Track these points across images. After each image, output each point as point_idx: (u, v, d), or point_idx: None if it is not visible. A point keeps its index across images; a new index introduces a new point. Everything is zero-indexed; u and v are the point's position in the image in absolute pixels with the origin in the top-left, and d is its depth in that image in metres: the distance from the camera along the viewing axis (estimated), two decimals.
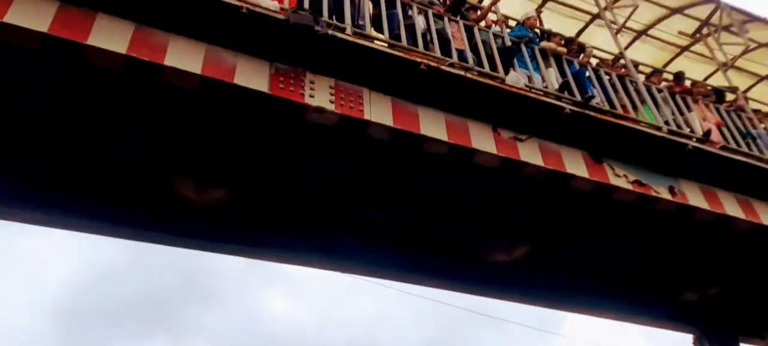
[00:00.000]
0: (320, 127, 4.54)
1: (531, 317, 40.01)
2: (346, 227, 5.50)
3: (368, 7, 5.34)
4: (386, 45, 4.90)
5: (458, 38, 5.60)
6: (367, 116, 4.44)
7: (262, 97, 4.21)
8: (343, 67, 4.58)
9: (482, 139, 5.00)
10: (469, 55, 5.46)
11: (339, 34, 4.49)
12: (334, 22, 4.77)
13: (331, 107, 4.34)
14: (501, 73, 5.41)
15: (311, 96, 4.31)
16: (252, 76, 4.22)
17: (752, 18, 8.14)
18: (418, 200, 5.62)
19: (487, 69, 5.36)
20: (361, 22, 5.07)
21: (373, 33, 5.17)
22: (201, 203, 4.59)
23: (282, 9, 4.48)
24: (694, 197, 5.94)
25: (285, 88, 4.25)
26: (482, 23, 6.38)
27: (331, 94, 4.43)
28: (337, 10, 5.05)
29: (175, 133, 4.67)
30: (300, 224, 5.33)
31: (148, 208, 4.62)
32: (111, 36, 3.83)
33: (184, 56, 4.04)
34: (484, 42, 5.68)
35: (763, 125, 7.30)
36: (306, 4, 4.65)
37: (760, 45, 8.55)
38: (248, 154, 4.89)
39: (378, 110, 4.57)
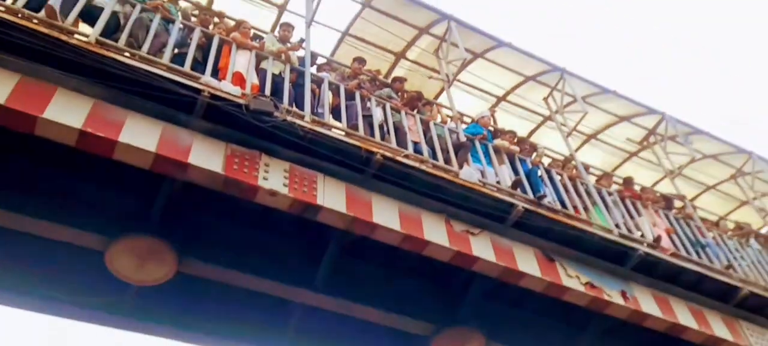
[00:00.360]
0: (273, 210, 4.79)
1: None
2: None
3: (328, 97, 5.82)
4: (343, 133, 5.30)
5: (414, 131, 6.09)
6: (319, 201, 4.71)
7: (216, 177, 4.45)
8: (299, 152, 4.93)
9: (435, 231, 5.31)
10: (425, 148, 5.92)
11: (297, 121, 4.87)
12: (294, 109, 5.19)
13: (284, 191, 4.60)
14: (455, 167, 5.85)
15: (265, 178, 4.58)
16: (207, 156, 4.48)
17: (696, 130, 9.09)
18: (361, 291, 5.77)
19: (441, 162, 5.80)
20: (320, 110, 5.52)
21: (332, 121, 5.62)
22: (139, 282, 4.63)
23: (244, 94, 4.87)
24: (647, 303, 6.29)
25: (239, 170, 4.52)
26: (438, 119, 6.94)
27: (286, 178, 4.71)
28: (298, 98, 5.50)
29: (123, 211, 4.82)
30: (238, 314, 5.41)
31: (80, 284, 4.63)
32: (68, 110, 4.07)
33: (140, 133, 4.29)
34: (439, 136, 6.17)
35: (711, 234, 7.93)
36: (267, 91, 5.07)
37: (705, 156, 9.48)
38: (198, 233, 5.05)
39: (332, 196, 4.86)
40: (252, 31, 6.31)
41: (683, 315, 6.46)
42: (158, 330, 5.16)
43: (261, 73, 5.41)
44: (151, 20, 5.10)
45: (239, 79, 5.12)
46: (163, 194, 4.80)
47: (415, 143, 5.96)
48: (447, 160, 5.92)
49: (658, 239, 6.81)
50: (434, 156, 5.87)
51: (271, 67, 5.46)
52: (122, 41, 4.63)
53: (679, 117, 8.96)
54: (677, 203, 8.47)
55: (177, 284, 4.99)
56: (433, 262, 5.41)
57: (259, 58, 5.56)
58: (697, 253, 7.09)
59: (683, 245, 7.06)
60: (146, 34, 4.92)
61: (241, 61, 5.32)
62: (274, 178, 4.64)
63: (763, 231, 9.38)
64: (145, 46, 4.75)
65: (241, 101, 4.68)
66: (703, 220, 8.55)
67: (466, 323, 5.83)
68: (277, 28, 6.83)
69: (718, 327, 6.64)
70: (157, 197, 4.79)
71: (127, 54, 4.56)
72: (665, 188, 9.15)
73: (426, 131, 6.23)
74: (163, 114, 4.50)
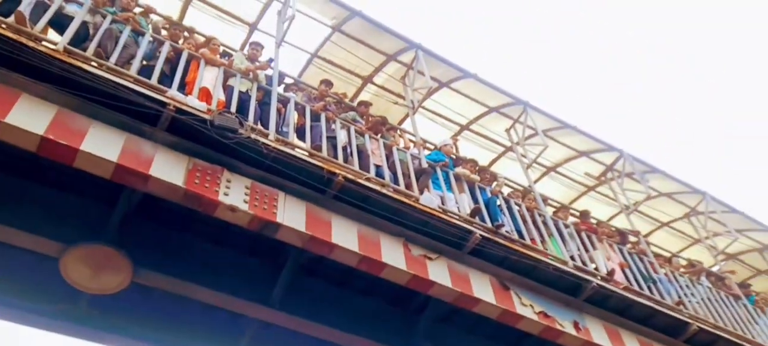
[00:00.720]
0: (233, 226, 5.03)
1: None
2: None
3: (294, 117, 6.13)
4: (307, 154, 5.60)
5: (377, 155, 6.43)
6: (279, 219, 4.97)
7: (177, 190, 4.67)
8: (262, 169, 5.20)
9: (392, 254, 5.60)
10: (387, 172, 6.26)
11: (261, 139, 5.15)
12: (259, 127, 5.47)
13: (244, 207, 4.85)
14: (415, 192, 6.20)
15: (226, 194, 4.83)
16: (169, 168, 4.70)
17: (652, 169, 9.73)
18: (317, 310, 6.00)
19: (402, 187, 6.14)
20: (285, 130, 5.81)
21: (296, 141, 5.92)
22: (93, 290, 4.78)
23: (209, 109, 5.13)
24: (598, 335, 6.68)
25: (200, 184, 4.75)
26: (401, 144, 7.32)
27: (247, 195, 4.97)
28: (263, 116, 5.80)
29: (82, 219, 4.98)
30: (192, 326, 5.57)
31: (34, 290, 4.75)
32: (31, 116, 4.26)
33: (102, 143, 4.49)
34: (401, 161, 6.53)
35: (663, 270, 8.46)
36: (233, 108, 5.35)
37: (661, 194, 10.12)
38: (156, 244, 5.23)
39: (292, 215, 5.12)
40: (221, 48, 6.61)
41: None
42: (110, 339, 5.27)
43: (228, 89, 5.69)
44: (120, 32, 5.34)
45: (206, 95, 5.39)
46: (122, 204, 4.98)
47: (378, 167, 6.30)
48: (408, 186, 6.26)
49: (611, 273, 7.25)
50: (396, 180, 6.20)
51: (239, 85, 5.75)
52: (90, 51, 4.85)
53: (638, 154, 9.60)
54: (632, 239, 9.00)
55: (131, 294, 5.14)
56: (389, 284, 5.69)
57: (227, 75, 5.84)
58: (649, 288, 7.53)
59: (636, 279, 7.49)
60: (115, 45, 5.16)
61: (208, 77, 5.60)
62: (235, 194, 4.89)
63: (714, 269, 10.03)
64: (113, 57, 4.98)
65: (206, 116, 4.93)
66: (656, 256, 9.11)
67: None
68: (247, 47, 7.15)
69: None
70: (116, 207, 4.97)
71: (94, 64, 4.78)
72: (621, 223, 9.71)
73: (389, 156, 6.58)
74: (128, 125, 4.72)
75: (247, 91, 5.81)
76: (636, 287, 7.33)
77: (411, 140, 7.84)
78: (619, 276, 7.43)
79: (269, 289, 5.63)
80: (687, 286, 8.23)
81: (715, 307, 8.16)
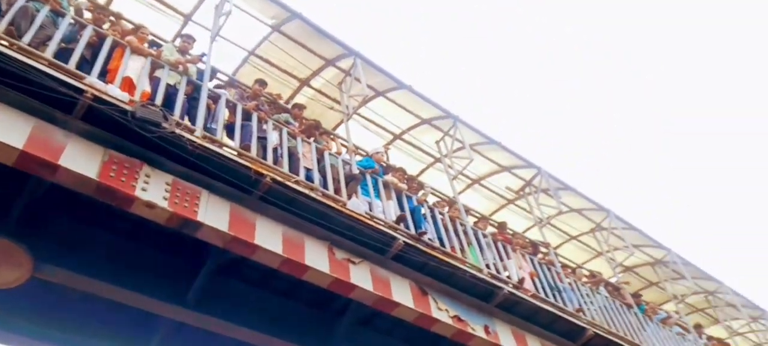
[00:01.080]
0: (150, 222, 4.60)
1: None
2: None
3: (225, 115, 5.75)
4: (235, 153, 5.25)
5: (308, 158, 6.16)
6: (200, 218, 4.60)
7: (89, 183, 4.21)
8: (186, 166, 4.80)
9: (316, 257, 5.37)
10: (316, 176, 6.01)
11: (186, 135, 4.75)
12: (185, 122, 5.06)
13: (163, 204, 4.45)
14: (344, 197, 5.99)
15: (144, 189, 4.41)
16: (82, 159, 4.22)
17: (565, 186, 10.04)
18: (235, 311, 5.67)
19: (331, 191, 5.91)
20: (213, 127, 5.42)
21: (225, 139, 5.54)
22: None
23: (131, 100, 4.68)
24: (506, 338, 6.76)
25: (116, 178, 4.31)
26: (334, 149, 7.08)
27: (167, 191, 4.56)
28: (191, 111, 5.38)
29: None
30: (99, 324, 5.08)
31: None
32: None
33: (7, 127, 3.97)
34: (332, 166, 6.30)
35: (568, 280, 8.73)
36: (159, 101, 4.91)
37: (571, 209, 10.46)
38: (63, 238, 4.70)
39: (214, 214, 4.77)
40: (150, 37, 6.10)
41: None
42: (7, 338, 4.67)
43: (154, 81, 5.24)
44: (37, 10, 4.77)
45: (129, 85, 4.92)
46: (26, 194, 4.43)
47: (308, 170, 6.03)
48: (337, 190, 6.04)
49: (521, 281, 7.38)
50: (325, 185, 5.97)
51: (166, 77, 5.30)
52: (0, 28, 4.28)
53: (554, 172, 9.86)
54: (542, 250, 9.24)
55: (32, 290, 4.58)
56: (311, 287, 5.45)
57: (154, 66, 5.37)
58: (554, 296, 7.76)
59: (543, 287, 7.68)
60: (30, 24, 4.59)
61: (133, 66, 5.12)
62: (154, 189, 4.47)
63: (612, 280, 10.50)
64: (27, 37, 4.42)
65: (127, 107, 4.49)
66: (563, 266, 9.39)
67: None
68: (179, 39, 6.65)
69: None
70: (18, 197, 4.41)
71: (4, 42, 4.23)
72: (534, 235, 9.96)
73: (320, 160, 6.33)
74: (38, 110, 4.20)
75: (175, 84, 5.36)
76: (543, 295, 7.50)
77: (343, 146, 7.61)
78: (528, 284, 7.59)
79: (186, 288, 5.22)
80: (587, 295, 8.50)
81: (610, 314, 8.48)
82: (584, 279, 9.68)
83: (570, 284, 8.49)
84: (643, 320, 9.19)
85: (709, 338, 11.72)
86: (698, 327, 11.75)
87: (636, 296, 10.90)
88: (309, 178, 5.90)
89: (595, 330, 7.63)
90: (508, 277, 7.31)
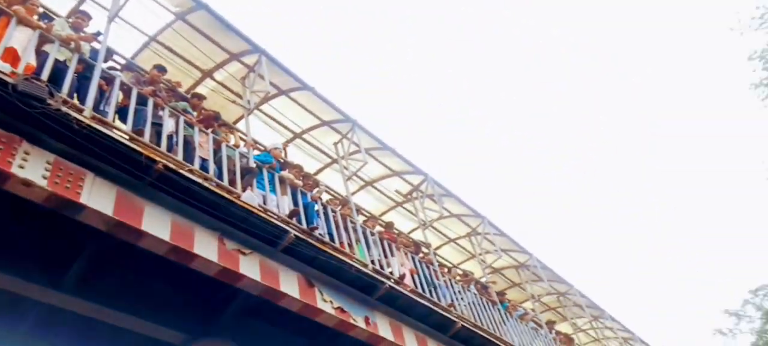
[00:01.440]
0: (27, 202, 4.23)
1: None
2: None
3: (118, 97, 5.42)
4: (127, 137, 4.99)
5: (205, 149, 6.00)
6: (83, 200, 4.32)
7: None
8: (72, 146, 4.47)
9: (205, 246, 5.25)
10: (212, 166, 5.87)
11: (74, 113, 4.44)
12: (74, 101, 4.72)
13: (42, 183, 4.12)
14: (239, 189, 5.91)
15: (21, 167, 4.05)
16: None
17: (448, 193, 10.67)
18: (115, 296, 5.39)
19: (226, 183, 5.81)
20: (105, 109, 5.10)
21: (117, 122, 5.24)
22: None
23: (13, 72, 4.28)
24: (384, 329, 7.06)
25: None
26: (232, 141, 6.95)
27: (47, 170, 4.23)
28: (82, 90, 5.02)
29: None
30: None
31: None
32: None
33: None
34: (229, 157, 6.19)
35: (444, 278, 9.30)
36: (45, 76, 4.53)
37: (452, 215, 11.15)
38: None
39: (99, 197, 4.49)
40: (41, 10, 5.58)
41: (410, 340, 7.41)
42: None
43: (42, 55, 4.81)
44: None
45: (12, 56, 4.48)
46: None
47: (204, 160, 5.88)
48: (232, 182, 5.95)
49: (402, 277, 7.76)
50: (220, 176, 5.85)
51: (56, 53, 4.89)
52: None
53: (439, 179, 10.43)
54: (424, 250, 9.76)
55: None
56: (197, 274, 5.32)
57: (43, 40, 4.93)
58: (430, 292, 8.25)
59: (421, 284, 8.15)
60: None
61: (19, 37, 4.67)
62: (33, 168, 4.13)
63: (481, 280, 11.33)
64: None
65: (8, 80, 4.10)
66: (440, 266, 9.99)
67: (220, 335, 5.80)
68: (73, 16, 6.14)
69: None
70: None
71: None
72: (418, 236, 10.48)
73: (217, 151, 6.19)
74: None
75: (65, 60, 4.96)
76: (420, 290, 7.94)
77: (242, 139, 7.48)
78: (408, 280, 8.00)
79: (63, 272, 4.85)
80: (459, 292, 9.15)
81: (477, 310, 9.17)
82: (458, 278, 10.35)
83: (445, 281, 9.06)
84: (504, 315, 10.06)
85: (558, 332, 13.08)
86: (550, 323, 13.07)
87: (501, 294, 11.88)
88: (204, 168, 5.76)
89: (463, 323, 8.24)
90: (391, 273, 7.64)
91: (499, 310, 9.95)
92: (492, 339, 8.72)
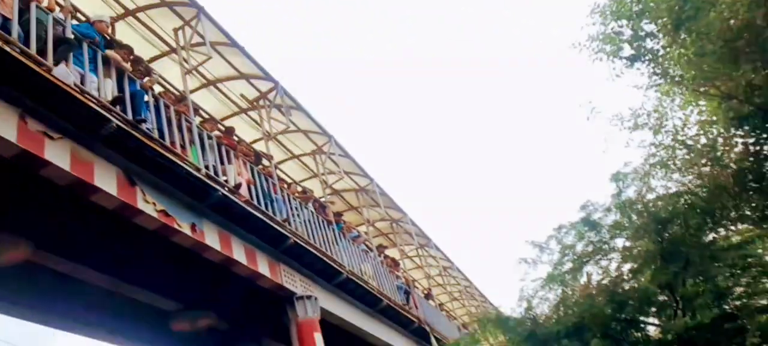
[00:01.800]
0: None
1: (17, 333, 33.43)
2: None
3: None
4: None
5: (8, 5, 5.23)
6: None
7: None
8: None
9: (2, 124, 4.75)
10: (16, 28, 5.17)
11: None
12: None
13: None
14: (50, 62, 5.33)
15: None
16: None
17: (297, 106, 10.76)
18: None
19: (33, 51, 5.19)
20: None
21: None
22: None
23: None
24: (211, 238, 7.15)
25: None
26: (45, 3, 6.13)
27: None
28: None
29: None
30: None
31: None
32: None
33: None
34: (39, 22, 5.49)
35: (283, 193, 9.59)
36: None
37: (298, 130, 11.34)
38: None
39: None
40: None
41: (238, 252, 7.64)
42: None
43: None
44: None
45: None
46: None
47: (5, 19, 5.14)
48: (42, 52, 5.32)
49: (238, 186, 7.85)
50: (27, 42, 5.20)
51: None
52: None
53: (291, 88, 10.43)
54: (265, 162, 9.91)
55: None
56: None
57: None
58: (266, 205, 8.48)
59: (257, 196, 8.32)
60: None
61: None
62: None
63: (321, 200, 11.96)
64: None
65: None
66: (281, 180, 10.28)
67: (14, 230, 5.40)
68: None
69: (263, 266, 8.15)
70: None
71: None
72: (261, 147, 10.53)
73: (24, 11, 5.43)
74: None
75: None
76: (256, 203, 8.13)
77: (58, 3, 6.61)
78: (244, 190, 8.10)
79: None
80: (296, 208, 9.59)
81: (312, 228, 9.74)
82: (296, 194, 10.78)
83: (283, 197, 9.40)
84: (338, 236, 10.85)
85: (386, 256, 14.54)
86: (380, 248, 14.46)
87: (338, 215, 12.68)
88: (5, 28, 5.05)
89: (296, 239, 8.68)
90: (226, 181, 7.67)
91: (334, 230, 10.68)
92: (323, 257, 9.41)
